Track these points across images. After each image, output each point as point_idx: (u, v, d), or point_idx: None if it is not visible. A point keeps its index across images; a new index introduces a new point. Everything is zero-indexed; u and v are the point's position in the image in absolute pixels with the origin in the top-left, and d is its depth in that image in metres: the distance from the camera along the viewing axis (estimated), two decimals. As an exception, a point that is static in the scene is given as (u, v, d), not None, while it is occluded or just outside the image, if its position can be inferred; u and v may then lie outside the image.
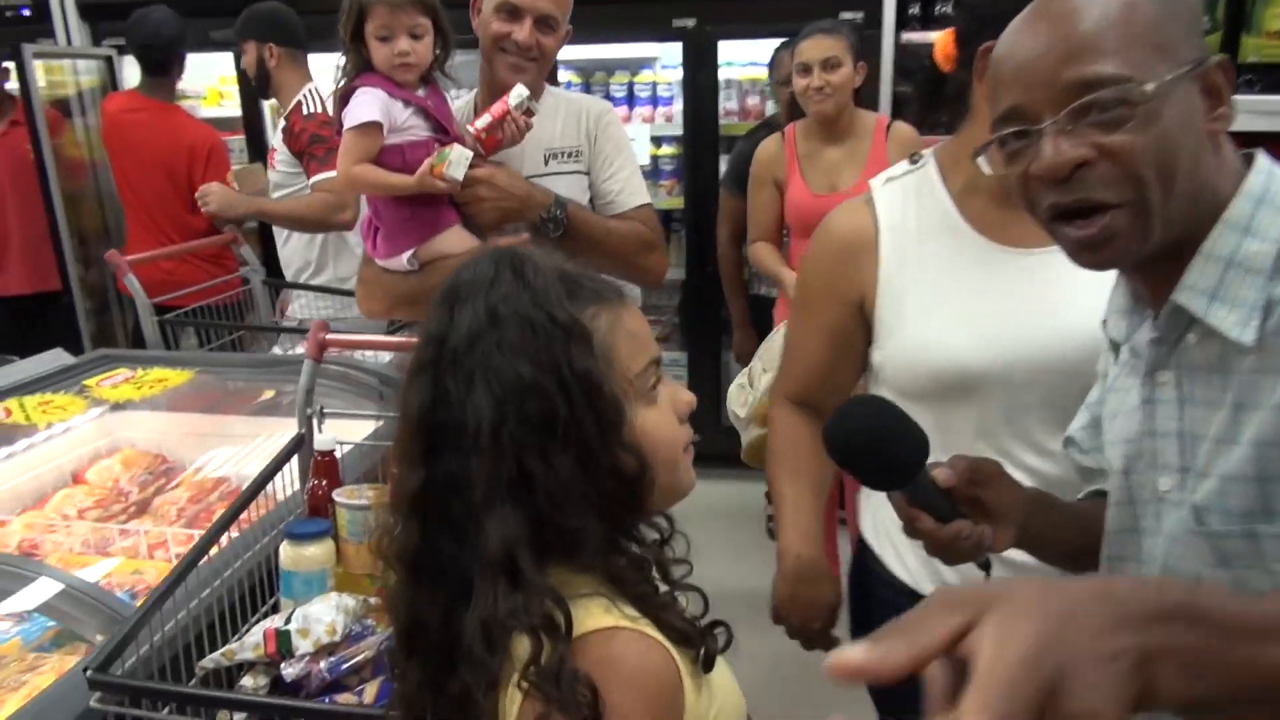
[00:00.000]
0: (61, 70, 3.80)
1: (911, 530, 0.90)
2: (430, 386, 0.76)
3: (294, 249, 2.76)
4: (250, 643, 1.13)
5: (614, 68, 3.95)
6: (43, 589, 1.26)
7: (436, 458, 0.75)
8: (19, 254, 3.74)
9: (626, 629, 0.73)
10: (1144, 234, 0.75)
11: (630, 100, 3.92)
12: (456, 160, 1.51)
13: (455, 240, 1.59)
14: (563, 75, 3.85)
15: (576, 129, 1.70)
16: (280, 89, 2.70)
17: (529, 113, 1.55)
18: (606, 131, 1.72)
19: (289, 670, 1.10)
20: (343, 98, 1.56)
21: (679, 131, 3.74)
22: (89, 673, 0.89)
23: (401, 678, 0.80)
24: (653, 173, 3.88)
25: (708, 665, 0.78)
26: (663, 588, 0.80)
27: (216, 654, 1.12)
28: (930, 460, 0.89)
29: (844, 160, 2.63)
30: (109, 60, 3.92)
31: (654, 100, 3.91)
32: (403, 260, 1.59)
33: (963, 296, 1.17)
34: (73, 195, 3.79)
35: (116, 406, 2.05)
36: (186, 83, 4.00)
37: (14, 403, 1.84)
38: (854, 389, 1.31)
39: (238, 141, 3.87)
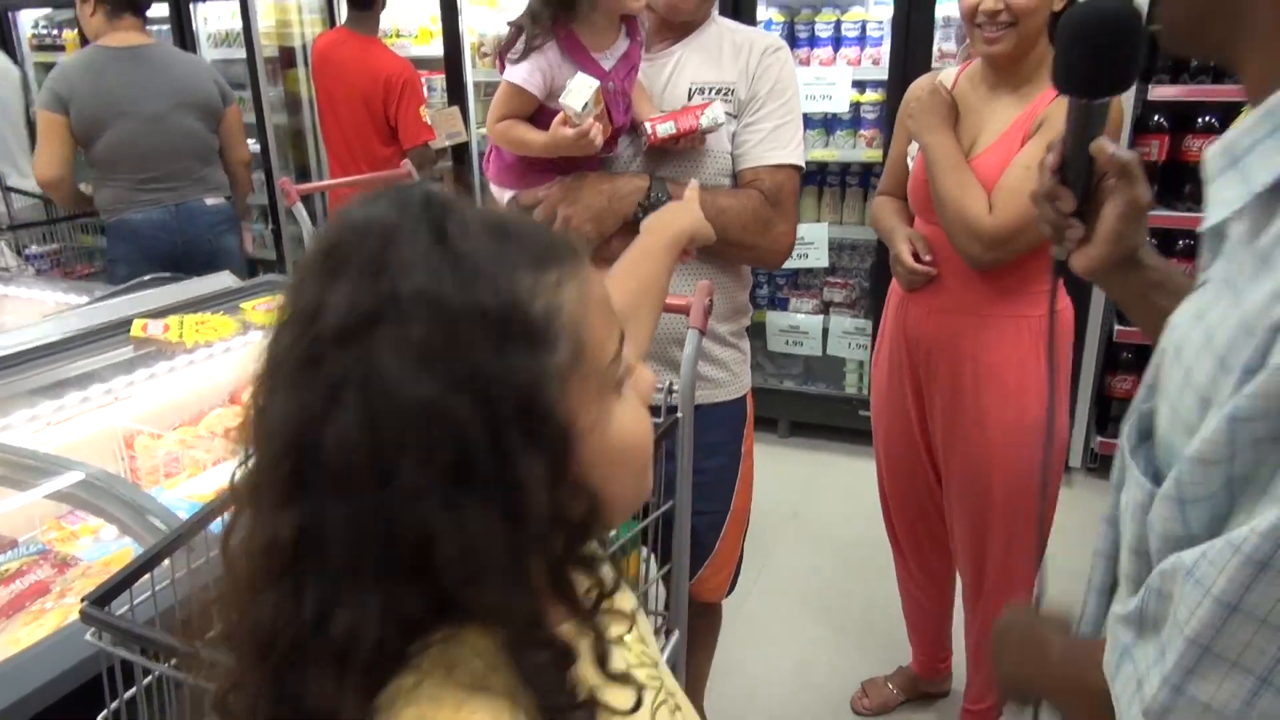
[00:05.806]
0: (286, 10, 4.03)
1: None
2: (305, 389, 0.50)
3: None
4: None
5: (821, 4, 3.64)
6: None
7: (310, 496, 0.50)
8: None
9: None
10: None
11: (836, 41, 3.60)
12: (576, 89, 1.33)
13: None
14: (763, 13, 3.59)
15: (735, 63, 1.50)
16: None
17: (710, 129, 1.41)
18: (767, 71, 1.49)
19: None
20: (510, 40, 1.38)
21: (885, 76, 3.40)
22: (84, 604, 0.86)
23: None
24: (852, 121, 3.56)
25: None
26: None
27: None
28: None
29: (1002, 114, 1.76)
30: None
31: (862, 40, 3.56)
32: (504, 197, 1.49)
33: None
34: (293, 130, 4.04)
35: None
36: (400, 21, 4.12)
37: (175, 320, 1.93)
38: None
39: (439, 80, 3.95)
